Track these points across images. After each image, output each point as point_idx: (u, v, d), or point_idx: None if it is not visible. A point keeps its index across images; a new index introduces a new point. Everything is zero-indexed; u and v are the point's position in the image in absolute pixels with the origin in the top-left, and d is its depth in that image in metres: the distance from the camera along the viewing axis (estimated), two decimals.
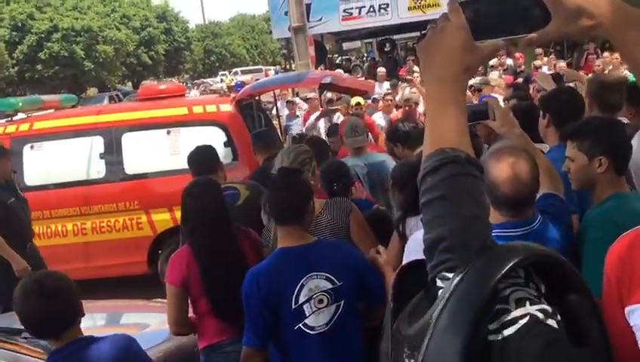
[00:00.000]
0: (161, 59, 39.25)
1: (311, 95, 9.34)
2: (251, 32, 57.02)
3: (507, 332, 0.83)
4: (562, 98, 3.05)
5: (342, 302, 2.38)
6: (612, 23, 0.89)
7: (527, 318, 0.84)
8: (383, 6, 15.33)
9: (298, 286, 2.34)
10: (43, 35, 30.23)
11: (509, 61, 11.37)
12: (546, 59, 10.97)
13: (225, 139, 5.88)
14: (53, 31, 30.35)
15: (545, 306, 0.86)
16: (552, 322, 0.85)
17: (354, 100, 7.42)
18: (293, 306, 2.33)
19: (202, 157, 3.78)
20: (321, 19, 15.47)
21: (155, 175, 5.98)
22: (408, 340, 0.91)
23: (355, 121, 5.04)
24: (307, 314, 2.34)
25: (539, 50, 11.90)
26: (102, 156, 6.00)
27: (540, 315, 0.85)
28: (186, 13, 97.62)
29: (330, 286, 2.37)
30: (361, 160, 4.50)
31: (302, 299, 2.34)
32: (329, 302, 2.36)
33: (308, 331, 2.35)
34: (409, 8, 15.09)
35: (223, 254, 2.74)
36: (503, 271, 0.84)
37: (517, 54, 11.23)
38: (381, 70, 12.09)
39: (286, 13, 14.34)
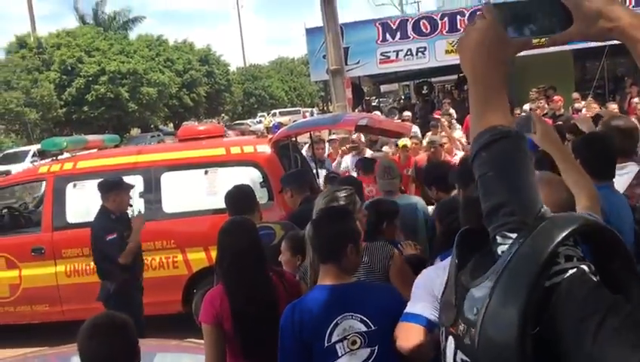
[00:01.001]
0: (202, 100, 40.28)
1: (333, 136, 9.46)
2: (290, 75, 58.22)
3: (557, 278, 0.94)
4: (593, 145, 3.00)
5: (376, 347, 2.32)
6: (627, 27, 1.01)
7: (575, 269, 0.95)
8: (420, 49, 15.44)
9: (332, 325, 2.31)
10: (91, 78, 31.47)
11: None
12: (583, 102, 10.86)
13: (261, 179, 5.94)
14: (100, 74, 31.58)
15: (590, 264, 0.98)
16: (594, 278, 0.96)
17: (400, 142, 7.47)
18: (326, 344, 2.30)
19: (239, 197, 3.81)
20: (358, 62, 15.66)
21: (192, 214, 6.05)
22: (471, 293, 1.02)
23: (388, 163, 5.04)
24: (340, 354, 2.30)
25: (575, 95, 11.83)
26: (141, 195, 6.11)
27: (587, 269, 0.96)
28: (227, 57, 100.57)
29: (364, 328, 2.33)
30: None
31: (335, 338, 2.30)
32: (362, 345, 2.32)
33: None
34: (446, 52, 15.15)
35: (256, 294, 2.73)
36: (561, 236, 0.95)
37: (556, 97, 11.14)
38: (406, 114, 12.06)
39: (324, 57, 14.59)
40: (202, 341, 3.84)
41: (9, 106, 26.82)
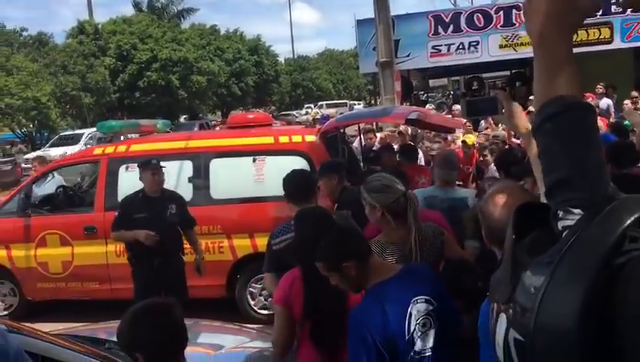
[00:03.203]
0: (250, 90, 40.66)
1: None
2: (338, 67, 58.10)
3: (621, 259, 0.87)
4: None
5: (439, 323, 2.34)
6: None
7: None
8: (473, 43, 15.17)
9: (407, 315, 2.31)
10: (143, 65, 32.20)
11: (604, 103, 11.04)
12: None
13: (308, 169, 5.94)
14: (152, 61, 32.28)
15: None
16: None
17: (468, 139, 7.36)
18: (407, 337, 2.29)
19: (300, 182, 3.85)
20: (408, 55, 15.50)
21: (239, 201, 6.12)
22: (529, 272, 0.96)
23: (450, 155, 5.07)
24: (415, 341, 2.30)
25: (634, 93, 11.48)
26: (190, 180, 6.20)
27: None
28: (276, 48, 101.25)
29: (431, 307, 2.33)
30: (444, 193, 4.47)
31: (412, 326, 2.30)
32: (431, 325, 2.32)
33: (416, 356, 2.31)
34: (500, 46, 14.84)
35: (328, 291, 2.68)
36: (633, 218, 0.88)
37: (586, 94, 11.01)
38: (456, 108, 11.87)
39: (374, 49, 14.50)
40: (242, 324, 3.90)
41: (65, 90, 27.71)
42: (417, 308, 2.31)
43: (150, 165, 5.15)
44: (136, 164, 6.27)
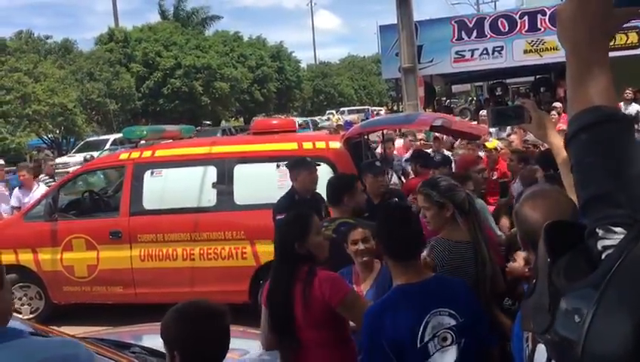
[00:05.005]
0: (273, 96, 40.84)
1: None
2: (360, 73, 58.09)
3: None
4: None
5: (462, 341, 2.29)
6: None
7: None
8: (497, 49, 15.05)
9: (423, 324, 2.27)
10: (168, 72, 32.56)
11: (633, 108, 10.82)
12: None
13: (332, 175, 5.91)
14: (176, 68, 32.63)
15: None
16: None
17: (489, 144, 7.28)
18: (419, 345, 2.26)
19: (333, 183, 3.81)
20: (432, 61, 15.44)
21: (263, 207, 6.09)
22: (569, 299, 0.89)
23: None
24: (431, 353, 2.26)
25: None
26: (214, 185, 6.22)
27: None
28: (298, 54, 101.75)
29: (453, 322, 2.29)
30: None
31: (427, 337, 2.27)
32: (453, 341, 2.27)
33: None
34: (525, 51, 14.69)
35: (275, 292, 2.78)
36: None
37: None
38: (483, 113, 11.74)
39: (397, 54, 14.46)
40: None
41: (91, 96, 28.13)
42: (438, 320, 2.28)
43: (306, 163, 4.78)
44: (161, 170, 6.36)
